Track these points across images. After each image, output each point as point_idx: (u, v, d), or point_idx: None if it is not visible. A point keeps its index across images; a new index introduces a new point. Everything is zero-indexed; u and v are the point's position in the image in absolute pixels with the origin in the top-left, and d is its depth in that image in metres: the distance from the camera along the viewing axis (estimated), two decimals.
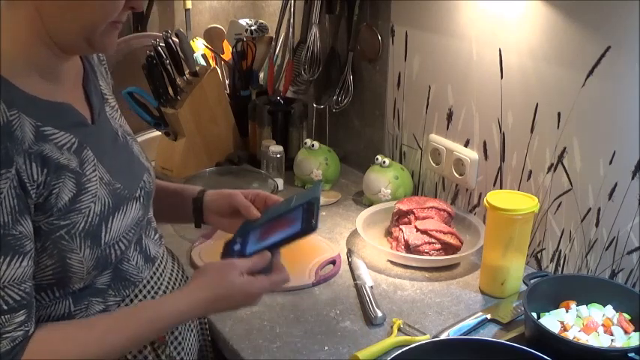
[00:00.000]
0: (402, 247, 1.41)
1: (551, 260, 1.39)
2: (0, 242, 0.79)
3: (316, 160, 1.73)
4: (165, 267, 1.09)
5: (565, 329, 1.13)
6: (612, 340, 1.11)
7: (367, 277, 1.34)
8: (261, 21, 2.05)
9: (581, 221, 1.31)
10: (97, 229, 0.90)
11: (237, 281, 0.98)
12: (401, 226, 1.45)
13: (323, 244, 1.48)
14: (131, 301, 1.01)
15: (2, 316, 0.80)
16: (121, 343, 0.92)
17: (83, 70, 0.99)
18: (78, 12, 0.84)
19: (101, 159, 0.93)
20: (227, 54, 2.00)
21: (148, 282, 1.04)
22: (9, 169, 0.79)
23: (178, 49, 1.75)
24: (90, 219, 0.89)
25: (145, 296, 1.03)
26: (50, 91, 0.88)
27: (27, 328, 0.83)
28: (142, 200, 1.01)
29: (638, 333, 1.12)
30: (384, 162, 1.63)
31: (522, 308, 1.17)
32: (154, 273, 1.06)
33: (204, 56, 1.96)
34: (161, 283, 1.06)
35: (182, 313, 0.96)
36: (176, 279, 1.11)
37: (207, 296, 0.98)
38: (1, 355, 0.80)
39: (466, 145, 1.55)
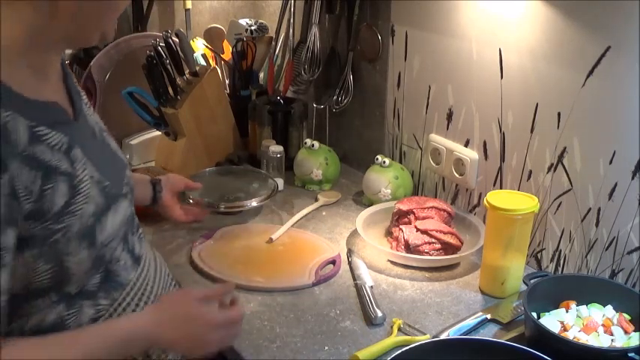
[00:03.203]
0: (402, 247, 1.41)
1: (551, 260, 1.39)
2: None
3: (316, 160, 1.73)
4: (149, 268, 1.07)
5: (565, 329, 1.13)
6: (612, 340, 1.10)
7: (367, 277, 1.34)
8: (261, 21, 2.05)
9: (581, 221, 1.31)
10: (92, 230, 0.89)
11: (190, 307, 0.97)
12: (401, 226, 1.45)
13: (323, 244, 1.48)
14: (119, 305, 0.98)
15: None
16: None
17: (61, 67, 0.98)
18: (104, 8, 0.89)
19: (89, 156, 0.91)
20: (227, 54, 2.00)
21: (135, 284, 1.02)
22: (2, 174, 0.76)
23: (178, 49, 1.75)
24: (84, 220, 0.88)
25: (132, 299, 1.00)
26: (39, 90, 0.87)
27: None
28: (129, 197, 1.01)
29: (638, 333, 1.12)
30: (384, 162, 1.62)
31: (522, 308, 1.17)
32: (140, 274, 1.04)
33: (204, 56, 1.96)
34: (147, 284, 1.05)
35: (122, 339, 0.91)
36: (160, 280, 1.09)
37: (152, 320, 0.94)
38: None
39: (466, 145, 1.55)
